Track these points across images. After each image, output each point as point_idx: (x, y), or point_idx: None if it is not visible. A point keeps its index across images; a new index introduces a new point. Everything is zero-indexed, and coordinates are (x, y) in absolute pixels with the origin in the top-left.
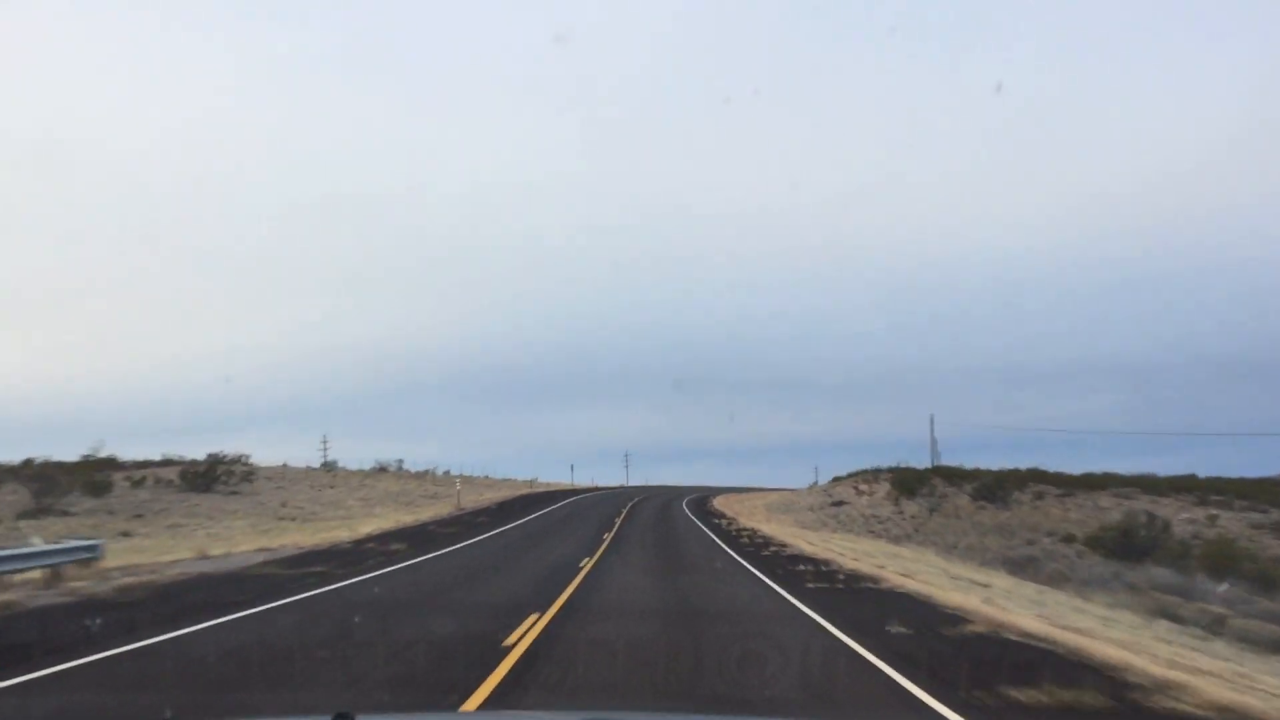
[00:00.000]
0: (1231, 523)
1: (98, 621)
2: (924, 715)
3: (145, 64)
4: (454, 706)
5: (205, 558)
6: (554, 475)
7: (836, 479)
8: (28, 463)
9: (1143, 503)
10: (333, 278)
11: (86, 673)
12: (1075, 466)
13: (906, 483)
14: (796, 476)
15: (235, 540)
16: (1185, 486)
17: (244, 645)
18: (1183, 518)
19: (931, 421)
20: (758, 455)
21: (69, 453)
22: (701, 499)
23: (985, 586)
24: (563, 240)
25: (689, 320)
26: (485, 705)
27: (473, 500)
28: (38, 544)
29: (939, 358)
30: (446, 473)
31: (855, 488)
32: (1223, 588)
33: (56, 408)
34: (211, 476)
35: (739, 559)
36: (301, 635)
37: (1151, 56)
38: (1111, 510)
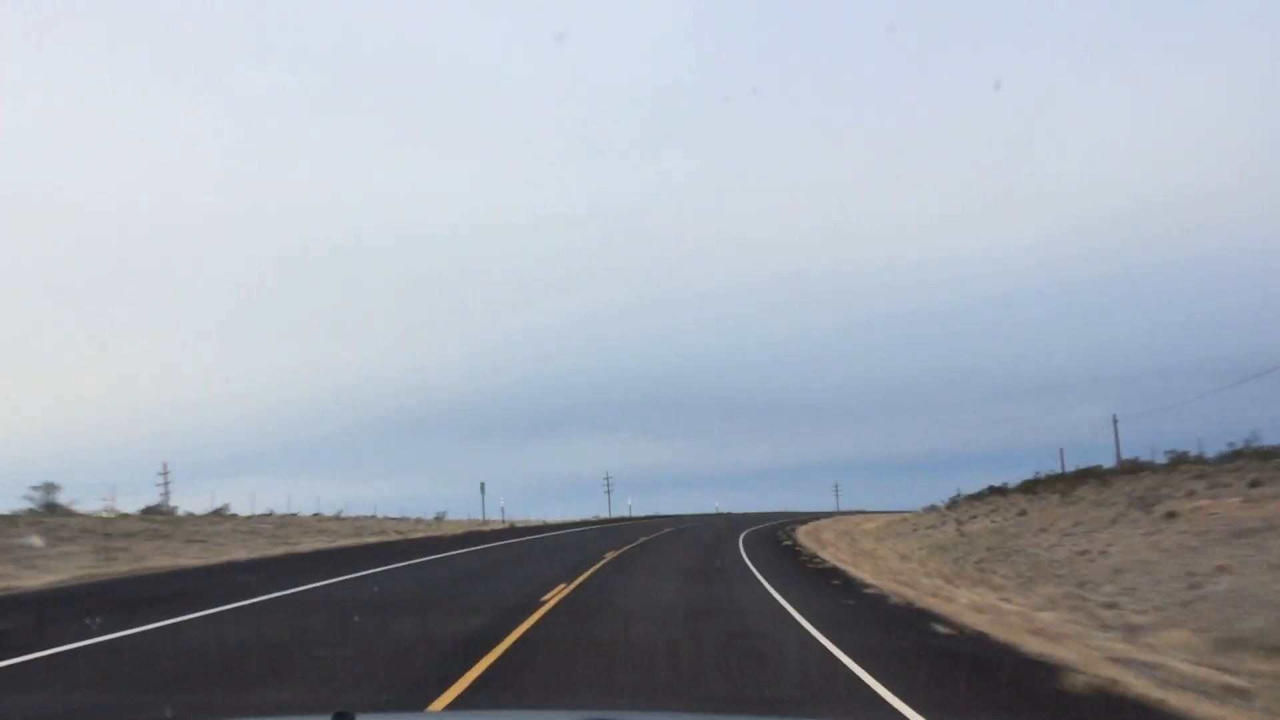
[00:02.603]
0: None
1: None
2: None
3: (115, 113)
4: None
5: None
6: (526, 511)
7: (994, 491)
8: None
9: None
10: (309, 321)
11: None
12: None
13: None
14: (811, 498)
15: None
16: None
17: None
18: None
19: None
20: (756, 478)
21: None
22: (784, 551)
23: None
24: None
25: (676, 345)
26: None
27: None
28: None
29: (939, 371)
30: (268, 513)
31: None
32: None
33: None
34: None
35: None
36: None
37: (1152, 57)
38: None
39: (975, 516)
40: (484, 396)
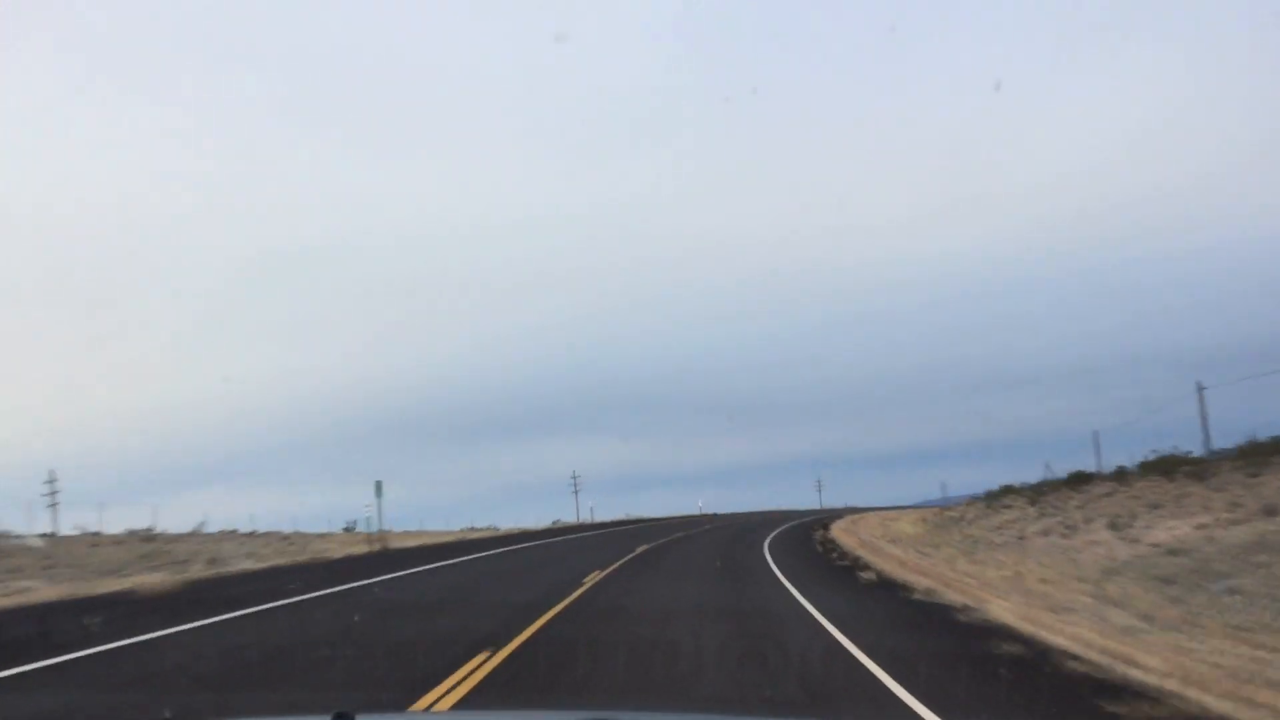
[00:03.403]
0: None
1: None
2: None
3: (84, 121)
4: None
5: None
6: (487, 518)
7: (1082, 477)
8: None
9: None
10: (277, 328)
11: None
12: None
13: None
14: (792, 495)
15: None
16: None
17: None
18: None
19: None
20: (735, 475)
21: None
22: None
23: None
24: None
25: (654, 343)
26: None
27: None
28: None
29: (921, 365)
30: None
31: None
32: None
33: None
34: None
35: None
36: None
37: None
38: None
39: (1133, 517)
40: (458, 399)
